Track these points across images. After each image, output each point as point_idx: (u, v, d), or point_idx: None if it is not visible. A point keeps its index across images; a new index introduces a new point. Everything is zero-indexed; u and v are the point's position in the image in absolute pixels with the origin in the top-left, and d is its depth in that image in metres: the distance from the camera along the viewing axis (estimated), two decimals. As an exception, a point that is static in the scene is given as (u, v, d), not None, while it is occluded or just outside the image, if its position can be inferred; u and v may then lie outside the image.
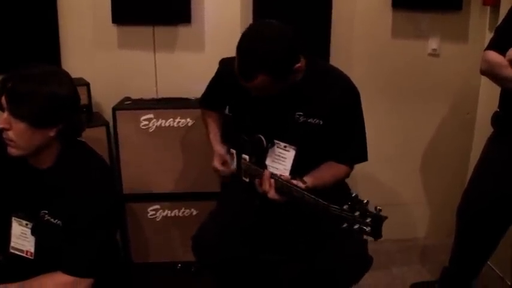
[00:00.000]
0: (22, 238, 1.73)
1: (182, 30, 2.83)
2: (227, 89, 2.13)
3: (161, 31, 2.83)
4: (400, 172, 3.18)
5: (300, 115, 1.97)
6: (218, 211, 2.16)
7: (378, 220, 1.50)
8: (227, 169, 2.15)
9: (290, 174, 1.96)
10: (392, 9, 2.88)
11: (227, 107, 2.28)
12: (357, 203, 1.55)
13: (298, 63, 1.84)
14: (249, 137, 2.07)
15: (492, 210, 2.13)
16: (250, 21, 2.74)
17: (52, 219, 1.68)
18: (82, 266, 1.67)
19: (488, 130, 2.20)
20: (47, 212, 1.68)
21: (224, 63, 2.21)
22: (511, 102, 2.06)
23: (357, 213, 1.53)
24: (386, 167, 3.12)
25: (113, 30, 2.79)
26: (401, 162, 3.16)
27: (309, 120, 1.97)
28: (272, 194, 1.84)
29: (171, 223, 2.74)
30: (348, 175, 2.08)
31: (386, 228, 1.52)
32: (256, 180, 1.93)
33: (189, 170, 2.70)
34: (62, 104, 1.61)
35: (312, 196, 1.71)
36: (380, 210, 1.51)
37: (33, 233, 1.71)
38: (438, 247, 3.03)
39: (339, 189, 2.06)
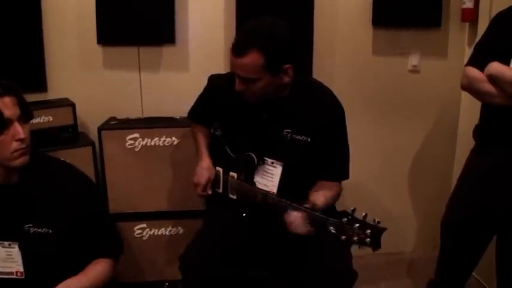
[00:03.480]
0: (8, 260, 1.71)
1: (167, 50, 2.86)
2: (215, 104, 2.15)
3: (146, 51, 2.85)
4: (385, 187, 3.21)
5: (288, 132, 1.98)
6: (205, 230, 2.16)
7: (378, 231, 1.54)
8: (206, 190, 2.16)
9: (278, 190, 1.97)
10: (373, 27, 2.94)
11: (212, 127, 2.28)
12: (356, 217, 1.59)
13: (290, 66, 1.86)
14: (239, 155, 2.08)
15: (474, 221, 2.15)
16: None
17: (40, 230, 1.68)
18: (116, 248, 1.88)
19: (470, 143, 2.23)
20: (31, 224, 1.67)
21: (213, 79, 2.24)
22: (491, 115, 2.09)
23: (356, 225, 1.56)
24: (371, 182, 3.15)
25: (98, 50, 2.81)
26: (386, 177, 3.20)
27: (296, 137, 1.97)
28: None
29: (158, 242, 2.73)
30: (340, 193, 2.08)
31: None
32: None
33: (175, 189, 2.70)
34: None
35: (309, 210, 1.73)
36: (379, 222, 1.55)
37: (21, 249, 1.69)
38: (425, 260, 3.03)
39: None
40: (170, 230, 2.74)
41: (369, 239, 1.54)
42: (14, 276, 1.72)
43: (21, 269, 1.71)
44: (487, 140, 2.14)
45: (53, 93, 2.79)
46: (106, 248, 1.85)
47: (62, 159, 2.01)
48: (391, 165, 3.19)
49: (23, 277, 1.72)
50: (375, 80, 3.03)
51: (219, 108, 2.12)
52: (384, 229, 1.54)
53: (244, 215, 2.03)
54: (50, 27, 2.74)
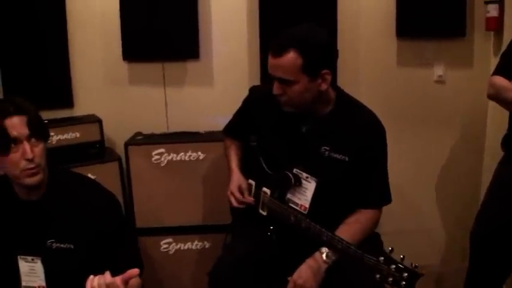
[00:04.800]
0: (31, 275, 1.72)
1: (191, 65, 2.89)
2: (254, 115, 2.13)
3: (171, 67, 2.89)
4: (412, 199, 3.16)
5: (326, 149, 1.95)
6: (233, 245, 2.15)
7: (414, 276, 1.52)
8: (243, 197, 2.11)
9: (310, 205, 1.95)
10: (397, 38, 2.93)
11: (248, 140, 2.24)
12: (393, 257, 1.57)
13: (328, 72, 1.84)
14: (276, 172, 2.04)
15: (504, 233, 2.12)
16: (258, 55, 2.81)
17: (62, 245, 1.69)
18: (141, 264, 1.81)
19: (498, 153, 2.20)
20: (54, 240, 1.69)
21: (254, 89, 2.25)
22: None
23: (393, 267, 1.55)
24: (397, 195, 3.10)
25: (123, 66, 2.86)
26: (413, 189, 3.15)
27: (334, 156, 1.94)
28: None
29: (185, 256, 2.74)
30: (377, 220, 2.01)
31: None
32: None
33: (201, 203, 2.71)
34: None
35: (345, 244, 1.73)
36: (416, 266, 1.53)
37: (44, 264, 1.70)
38: (454, 273, 2.98)
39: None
40: (196, 245, 2.74)
41: (404, 283, 1.52)
42: None
43: (44, 283, 1.72)
44: (515, 150, 2.12)
45: (80, 109, 2.85)
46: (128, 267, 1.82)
47: (88, 175, 2.03)
48: (417, 176, 3.15)
49: None
50: (400, 92, 3.01)
51: (258, 119, 2.11)
52: (422, 275, 1.52)
53: (269, 233, 2.02)
54: (76, 44, 2.80)
